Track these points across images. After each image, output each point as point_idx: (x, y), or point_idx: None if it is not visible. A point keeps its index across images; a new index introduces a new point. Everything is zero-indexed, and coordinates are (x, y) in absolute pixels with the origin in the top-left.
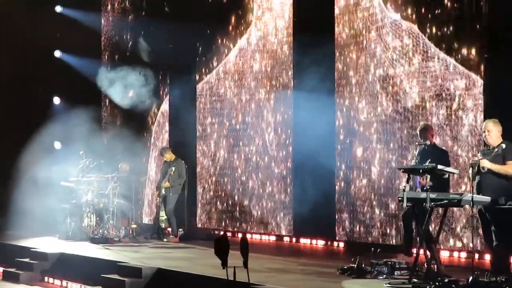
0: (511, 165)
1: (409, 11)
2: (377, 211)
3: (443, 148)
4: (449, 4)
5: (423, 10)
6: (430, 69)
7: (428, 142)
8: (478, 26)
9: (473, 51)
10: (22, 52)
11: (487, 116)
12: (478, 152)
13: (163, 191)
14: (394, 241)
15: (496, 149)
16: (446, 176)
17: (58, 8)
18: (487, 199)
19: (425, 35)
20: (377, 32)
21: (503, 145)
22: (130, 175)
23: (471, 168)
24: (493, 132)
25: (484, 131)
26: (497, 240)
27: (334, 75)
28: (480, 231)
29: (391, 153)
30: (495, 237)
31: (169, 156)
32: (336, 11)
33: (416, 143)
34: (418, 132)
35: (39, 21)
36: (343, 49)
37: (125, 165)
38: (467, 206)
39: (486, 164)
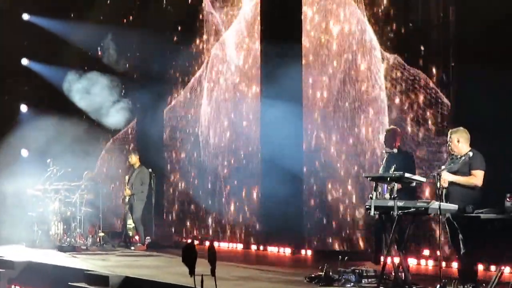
0: (474, 175)
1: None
2: (345, 218)
3: (408, 151)
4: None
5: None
6: (397, 77)
7: (394, 150)
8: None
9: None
10: None
11: (452, 125)
12: (448, 160)
13: (126, 200)
14: (362, 248)
15: (463, 158)
16: (414, 183)
17: (26, 16)
18: (454, 207)
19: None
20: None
21: (470, 153)
22: (97, 183)
23: (437, 177)
24: (460, 141)
25: (450, 140)
26: (465, 248)
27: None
28: (446, 238)
29: (360, 161)
30: (462, 245)
31: (135, 159)
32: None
33: (383, 151)
34: (384, 137)
35: (5, 29)
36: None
37: (90, 173)
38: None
39: (447, 177)
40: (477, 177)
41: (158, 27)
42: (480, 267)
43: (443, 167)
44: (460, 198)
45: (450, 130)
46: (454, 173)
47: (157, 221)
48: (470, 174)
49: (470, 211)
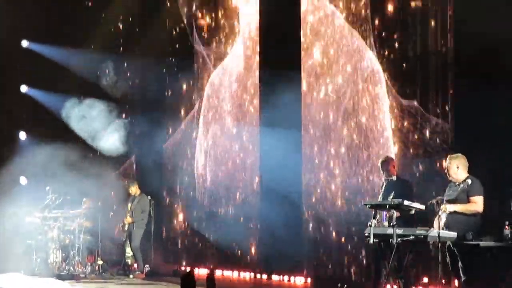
0: (474, 202)
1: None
2: (345, 245)
3: (407, 180)
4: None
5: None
6: (395, 101)
7: (393, 178)
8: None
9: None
10: None
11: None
12: (447, 188)
13: (126, 227)
14: (362, 276)
15: (462, 185)
16: (413, 211)
17: (25, 43)
18: (453, 234)
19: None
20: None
21: (469, 181)
22: (96, 211)
23: (436, 204)
24: (459, 168)
25: (449, 167)
26: (465, 276)
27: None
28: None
29: (360, 185)
30: (462, 273)
31: (134, 189)
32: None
33: (382, 179)
34: (379, 166)
35: (5, 55)
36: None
37: (88, 201)
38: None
39: (449, 208)
40: (477, 203)
41: (157, 54)
42: None
43: (443, 196)
44: (461, 225)
45: (449, 156)
46: (454, 200)
47: (156, 249)
48: (469, 201)
49: (470, 238)
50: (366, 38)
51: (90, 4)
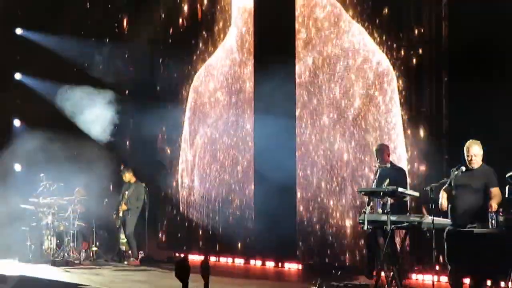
0: (497, 193)
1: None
2: (339, 232)
3: (400, 167)
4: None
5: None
6: (389, 91)
7: (387, 165)
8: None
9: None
10: None
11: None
12: (456, 170)
13: (121, 214)
14: (355, 262)
15: (478, 173)
16: (407, 198)
17: (19, 31)
18: (447, 222)
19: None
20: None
21: (488, 168)
22: (89, 198)
23: (430, 191)
24: (479, 155)
25: (470, 154)
26: (458, 262)
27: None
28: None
29: (354, 172)
30: (456, 259)
31: (129, 176)
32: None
33: (375, 165)
34: (374, 153)
35: None
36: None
37: (81, 190)
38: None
39: (495, 205)
40: (500, 194)
41: (149, 40)
42: (473, 281)
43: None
44: (464, 212)
45: (475, 142)
46: (478, 191)
47: (150, 235)
48: (489, 191)
49: (464, 226)
50: (362, 22)
51: None
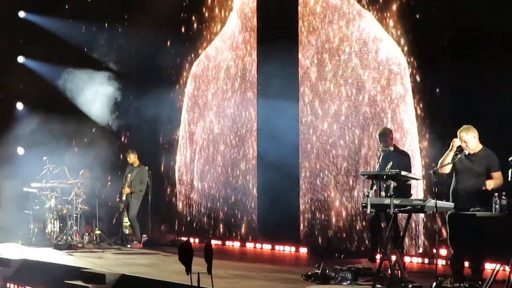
0: (498, 177)
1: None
2: (341, 216)
3: (404, 150)
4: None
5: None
6: (392, 72)
7: (391, 148)
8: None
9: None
10: None
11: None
12: (459, 154)
13: (124, 197)
14: (358, 246)
15: (479, 157)
16: (409, 181)
17: (22, 14)
18: (450, 205)
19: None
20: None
21: (488, 151)
22: (94, 181)
23: (433, 175)
24: (470, 140)
25: (467, 140)
26: (462, 246)
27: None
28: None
29: (357, 156)
30: (459, 243)
31: (133, 158)
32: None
33: (379, 149)
34: (378, 137)
35: (1, 27)
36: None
37: (86, 172)
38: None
39: (492, 185)
40: (500, 178)
41: (153, 25)
42: (477, 265)
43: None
44: (466, 195)
45: (463, 128)
46: (478, 174)
47: (153, 218)
48: (490, 175)
49: (469, 209)
50: (366, 6)
51: None
